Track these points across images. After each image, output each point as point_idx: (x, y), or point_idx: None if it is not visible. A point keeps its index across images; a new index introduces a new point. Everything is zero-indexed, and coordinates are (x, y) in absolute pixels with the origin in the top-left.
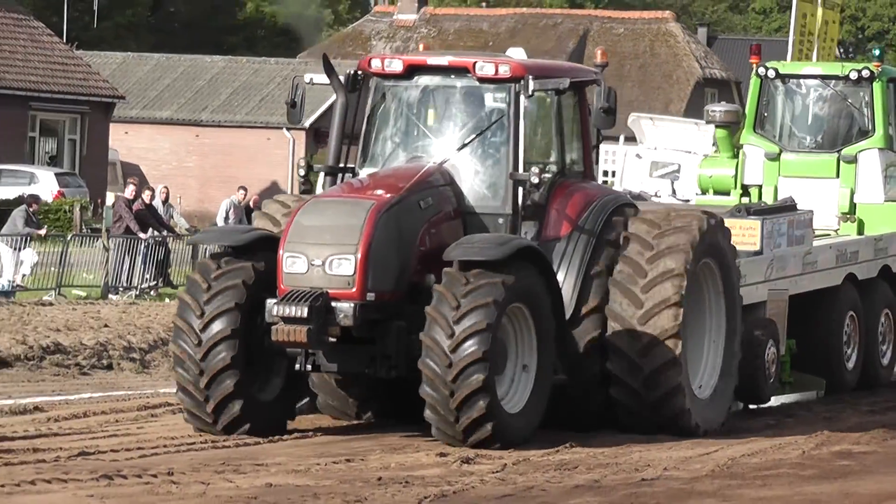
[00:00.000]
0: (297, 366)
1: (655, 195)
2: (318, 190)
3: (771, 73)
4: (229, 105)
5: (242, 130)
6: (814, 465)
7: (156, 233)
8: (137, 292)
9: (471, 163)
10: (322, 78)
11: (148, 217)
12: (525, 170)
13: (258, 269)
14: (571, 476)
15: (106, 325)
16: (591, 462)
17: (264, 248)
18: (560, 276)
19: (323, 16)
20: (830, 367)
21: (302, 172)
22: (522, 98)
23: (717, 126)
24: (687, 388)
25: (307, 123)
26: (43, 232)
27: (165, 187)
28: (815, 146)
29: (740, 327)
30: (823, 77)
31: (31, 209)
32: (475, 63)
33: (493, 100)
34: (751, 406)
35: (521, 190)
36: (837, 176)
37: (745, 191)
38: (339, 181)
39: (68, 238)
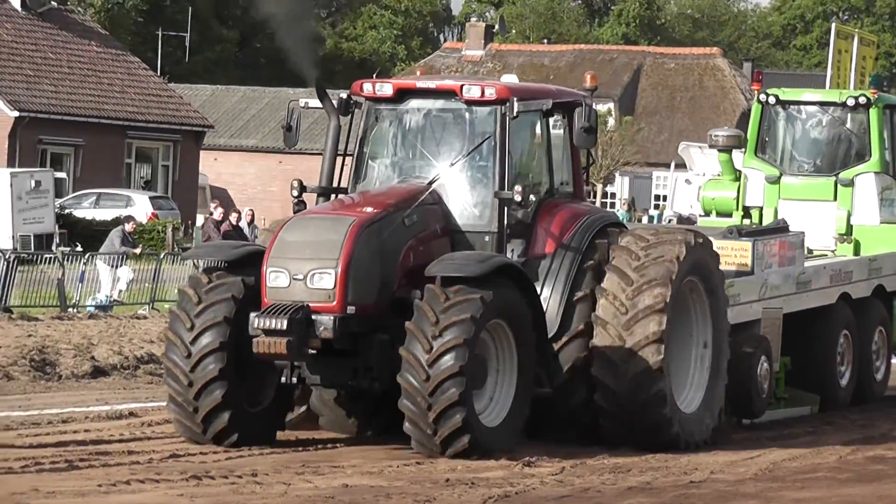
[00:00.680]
0: (283, 378)
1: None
2: None
3: (771, 100)
4: (310, 134)
5: (321, 157)
6: (850, 469)
7: None
8: None
9: (459, 182)
10: (316, 102)
11: (235, 237)
12: (510, 189)
13: (248, 284)
14: (625, 478)
15: None
16: (643, 465)
17: (255, 264)
18: (546, 293)
19: (397, 51)
20: (824, 384)
21: (295, 193)
22: (507, 119)
23: (719, 150)
24: (669, 396)
25: None
26: (138, 251)
27: (251, 210)
28: (813, 170)
29: (727, 345)
30: (822, 103)
31: (127, 230)
32: (462, 86)
33: (480, 121)
34: (744, 420)
35: (506, 208)
36: (835, 199)
37: (747, 212)
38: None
39: (161, 256)
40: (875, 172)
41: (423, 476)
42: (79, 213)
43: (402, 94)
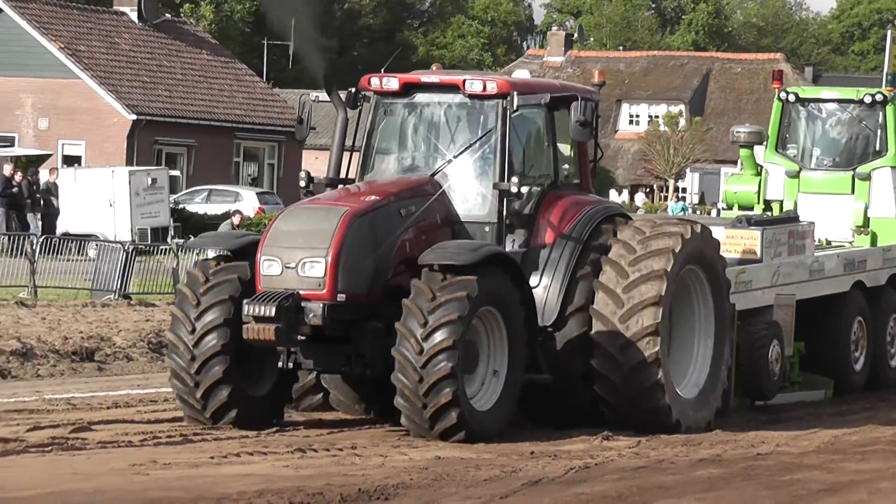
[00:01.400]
0: (280, 364)
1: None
2: None
3: (791, 97)
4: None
5: None
6: None
7: None
8: None
9: (461, 174)
10: (325, 96)
11: None
12: (509, 180)
13: (252, 271)
14: (696, 451)
15: None
16: (713, 439)
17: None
18: (546, 280)
19: (483, 58)
20: (838, 369)
21: (303, 184)
22: (508, 112)
23: (740, 146)
24: (667, 384)
25: None
26: None
27: None
28: (832, 165)
29: (729, 331)
30: (840, 101)
31: (234, 222)
32: (465, 80)
33: (482, 115)
34: (756, 402)
35: (505, 199)
36: (852, 192)
37: (768, 206)
38: None
39: None
40: (891, 167)
41: (509, 449)
42: (191, 208)
43: (408, 89)
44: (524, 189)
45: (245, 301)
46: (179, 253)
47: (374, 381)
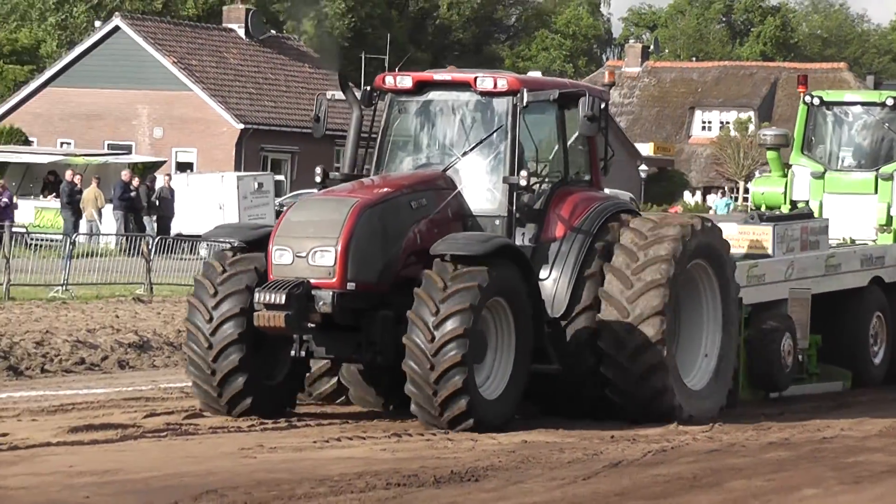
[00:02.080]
0: (293, 352)
1: None
2: None
3: (816, 101)
4: None
5: None
6: None
7: None
8: None
9: (472, 168)
10: (341, 94)
11: None
12: (517, 175)
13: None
14: (766, 435)
15: None
16: (782, 424)
17: None
18: (556, 273)
19: (565, 69)
20: (856, 361)
21: (318, 179)
22: (518, 109)
23: (767, 148)
24: (671, 366)
25: None
26: None
27: None
28: (855, 165)
29: (737, 329)
30: (863, 104)
31: None
32: (476, 78)
33: (493, 111)
34: (770, 394)
35: (515, 193)
36: (876, 192)
37: (794, 206)
38: None
39: None
40: None
41: (591, 434)
42: None
43: (422, 87)
44: (534, 184)
45: (256, 289)
46: None
47: (390, 374)
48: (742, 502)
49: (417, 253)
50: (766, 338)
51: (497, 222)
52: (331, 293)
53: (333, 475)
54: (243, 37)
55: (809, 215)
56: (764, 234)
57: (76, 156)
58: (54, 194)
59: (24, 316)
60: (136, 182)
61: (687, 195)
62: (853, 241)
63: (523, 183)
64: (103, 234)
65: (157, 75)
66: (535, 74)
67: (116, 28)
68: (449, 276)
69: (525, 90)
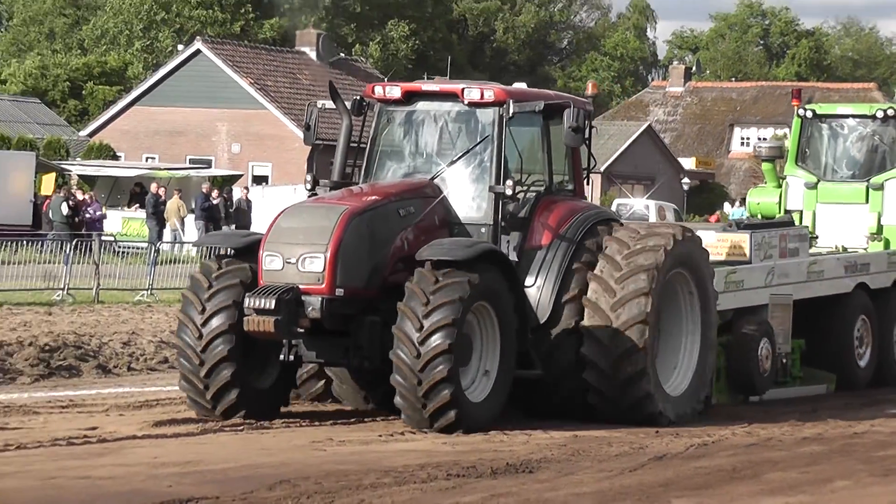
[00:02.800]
0: (282, 356)
1: None
2: None
3: (809, 114)
4: None
5: None
6: None
7: None
8: None
9: (459, 177)
10: (331, 103)
11: None
12: (503, 183)
13: (255, 270)
14: (801, 430)
15: None
16: (815, 420)
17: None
18: (540, 280)
19: (613, 89)
20: (842, 364)
21: (308, 187)
22: (504, 119)
23: (762, 160)
24: (653, 374)
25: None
26: None
27: None
28: (848, 176)
29: (715, 336)
30: (855, 116)
31: None
32: (463, 89)
33: (479, 121)
34: (751, 398)
35: (500, 202)
36: (867, 202)
37: (788, 215)
38: None
39: None
40: None
41: (637, 429)
42: None
43: (410, 97)
44: (519, 192)
45: (247, 294)
46: None
47: (374, 373)
48: (778, 493)
49: (405, 259)
50: (744, 342)
51: (483, 230)
52: (320, 299)
53: (397, 466)
54: (315, 59)
55: (789, 223)
56: (742, 241)
57: (160, 170)
58: (140, 205)
59: (112, 318)
60: (215, 194)
61: (727, 206)
62: (845, 250)
63: (509, 192)
64: (185, 243)
65: (235, 95)
66: (521, 86)
67: (198, 51)
68: (430, 290)
69: (511, 101)
